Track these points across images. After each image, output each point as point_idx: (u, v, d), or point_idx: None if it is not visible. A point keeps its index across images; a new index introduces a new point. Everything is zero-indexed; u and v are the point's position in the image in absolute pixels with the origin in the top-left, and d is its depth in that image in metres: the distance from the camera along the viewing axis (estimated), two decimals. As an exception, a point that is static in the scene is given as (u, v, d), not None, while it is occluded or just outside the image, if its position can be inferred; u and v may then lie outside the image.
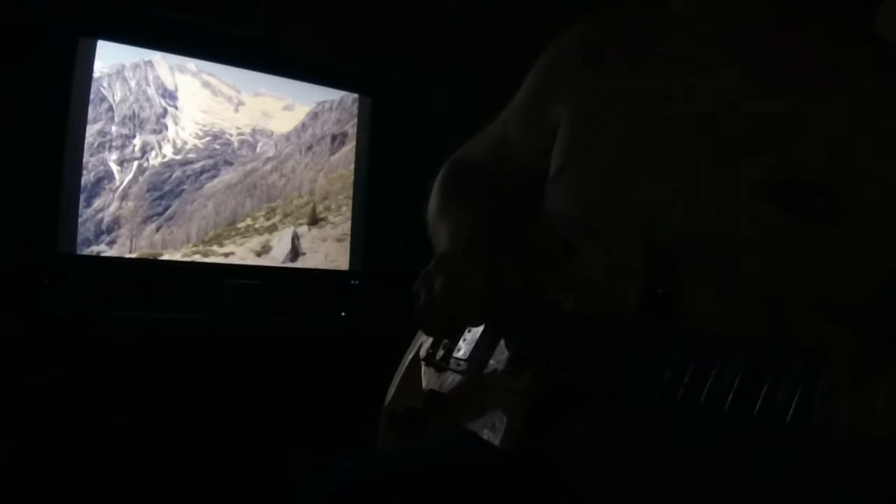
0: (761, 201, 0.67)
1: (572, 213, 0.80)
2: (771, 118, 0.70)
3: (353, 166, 2.40)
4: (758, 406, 0.51)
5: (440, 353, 0.92)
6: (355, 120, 2.40)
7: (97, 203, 2.02)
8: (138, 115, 2.09)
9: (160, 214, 2.13)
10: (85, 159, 1.97)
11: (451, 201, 0.96)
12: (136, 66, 2.07)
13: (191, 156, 2.18)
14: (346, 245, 2.39)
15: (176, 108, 2.16)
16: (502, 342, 0.84)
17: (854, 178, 0.66)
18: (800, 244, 0.65)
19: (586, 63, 0.85)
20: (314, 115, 2.37)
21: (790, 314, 0.65)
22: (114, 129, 2.05)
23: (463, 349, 0.89)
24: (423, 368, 0.96)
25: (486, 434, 0.77)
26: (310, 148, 2.37)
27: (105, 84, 2.02)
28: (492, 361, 0.84)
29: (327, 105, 2.38)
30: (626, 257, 0.71)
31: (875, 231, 0.65)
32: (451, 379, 0.89)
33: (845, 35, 0.73)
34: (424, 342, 0.97)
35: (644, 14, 0.84)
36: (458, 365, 0.88)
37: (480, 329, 0.88)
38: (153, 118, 2.12)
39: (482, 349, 0.86)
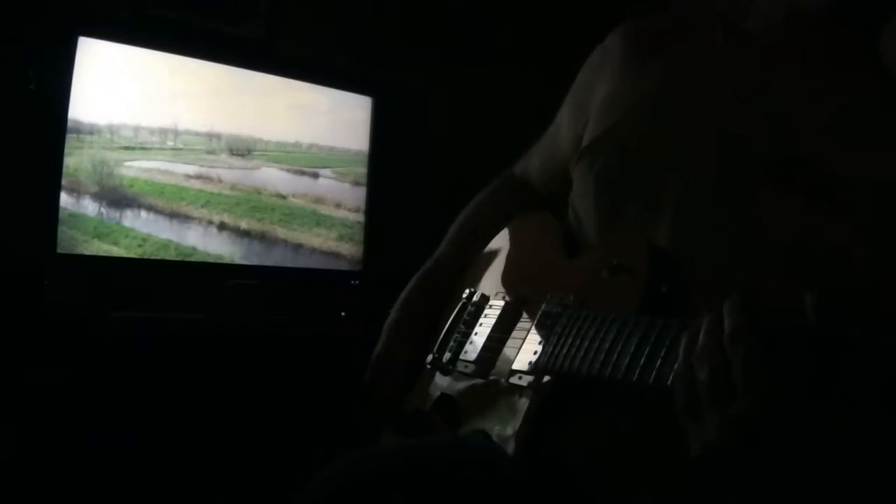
0: (765, 180, 0.70)
1: (595, 188, 0.83)
2: (775, 115, 0.73)
3: (353, 166, 2.40)
4: None
5: (447, 355, 0.91)
6: (355, 120, 2.40)
7: (97, 203, 2.01)
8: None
9: (160, 214, 2.12)
10: (85, 159, 1.97)
11: (466, 223, 1.09)
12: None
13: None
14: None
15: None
16: (509, 342, 0.84)
17: (845, 164, 0.68)
18: (804, 224, 0.67)
19: (623, 53, 0.92)
20: (314, 115, 2.36)
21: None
22: (114, 129, 2.04)
23: (470, 351, 0.89)
24: (427, 372, 0.95)
25: (494, 437, 0.77)
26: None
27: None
28: (499, 363, 0.83)
29: (327, 105, 2.38)
30: (629, 259, 0.72)
31: (870, 216, 0.67)
32: (459, 381, 0.89)
33: (845, 48, 0.77)
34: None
35: (673, 14, 0.93)
36: (466, 367, 0.87)
37: (487, 331, 0.88)
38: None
39: (490, 350, 0.86)
